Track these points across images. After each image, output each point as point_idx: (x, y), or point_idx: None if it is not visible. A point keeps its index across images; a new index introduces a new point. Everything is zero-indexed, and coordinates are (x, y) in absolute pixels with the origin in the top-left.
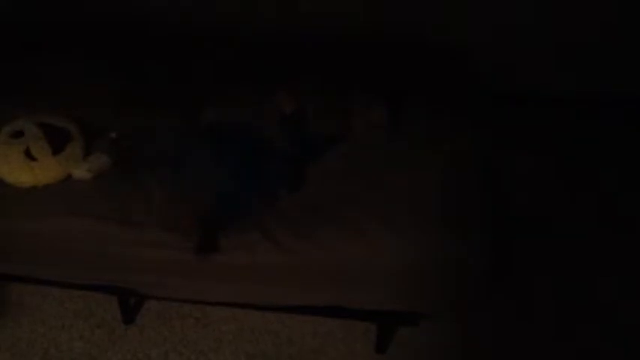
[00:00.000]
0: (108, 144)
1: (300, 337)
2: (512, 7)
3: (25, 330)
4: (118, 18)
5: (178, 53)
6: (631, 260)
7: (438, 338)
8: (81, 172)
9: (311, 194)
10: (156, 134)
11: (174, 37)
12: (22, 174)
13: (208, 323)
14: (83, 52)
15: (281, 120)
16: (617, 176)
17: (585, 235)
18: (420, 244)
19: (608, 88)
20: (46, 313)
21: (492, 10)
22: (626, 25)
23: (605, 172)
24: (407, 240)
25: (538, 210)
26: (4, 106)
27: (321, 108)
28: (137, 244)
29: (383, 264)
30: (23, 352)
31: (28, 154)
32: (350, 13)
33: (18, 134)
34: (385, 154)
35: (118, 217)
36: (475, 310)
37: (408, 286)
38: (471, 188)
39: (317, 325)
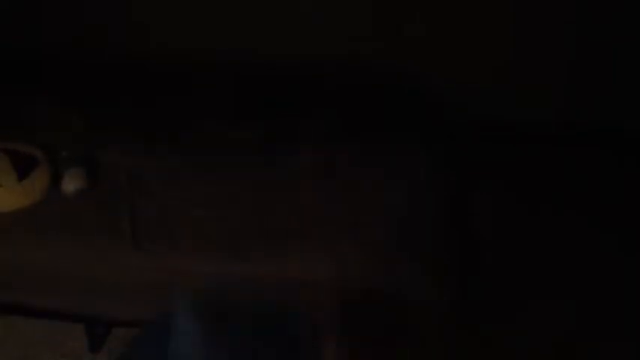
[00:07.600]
0: (76, 166)
1: None
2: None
3: None
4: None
5: (149, 81)
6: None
7: None
8: (67, 186)
9: (268, 211)
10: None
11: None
12: None
13: None
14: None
15: None
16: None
17: (554, 268)
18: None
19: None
20: (9, 343)
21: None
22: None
23: (569, 206)
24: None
25: (504, 247)
26: None
27: None
28: (103, 267)
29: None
30: None
31: None
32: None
33: None
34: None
35: (84, 241)
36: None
37: None
38: (435, 223)
39: None
